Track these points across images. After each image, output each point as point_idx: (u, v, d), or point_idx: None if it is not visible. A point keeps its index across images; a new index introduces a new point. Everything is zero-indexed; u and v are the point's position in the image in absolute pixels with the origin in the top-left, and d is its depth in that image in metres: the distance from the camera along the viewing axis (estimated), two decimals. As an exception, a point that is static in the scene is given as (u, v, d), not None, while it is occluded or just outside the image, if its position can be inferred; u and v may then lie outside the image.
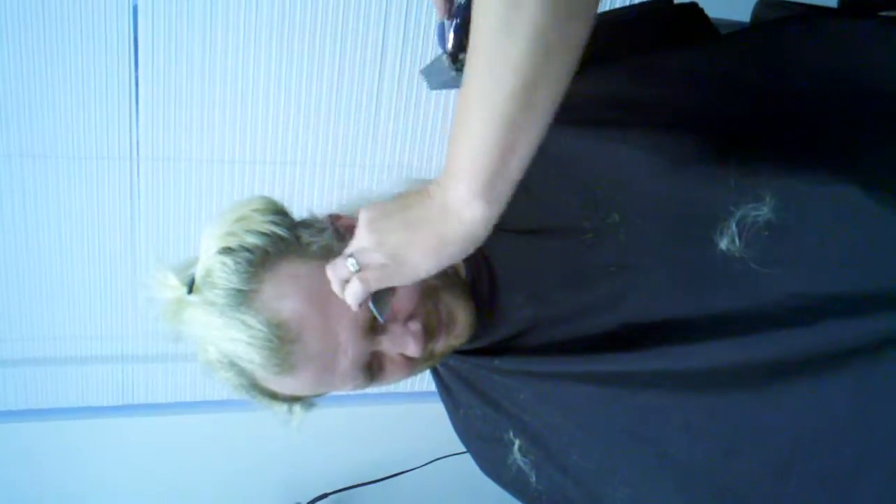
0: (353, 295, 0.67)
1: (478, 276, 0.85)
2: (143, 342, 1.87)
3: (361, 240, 0.66)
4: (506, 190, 0.59)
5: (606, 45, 0.91)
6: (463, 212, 0.60)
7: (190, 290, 0.77)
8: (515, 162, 0.57)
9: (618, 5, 0.99)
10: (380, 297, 0.70)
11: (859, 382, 0.62)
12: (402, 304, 0.78)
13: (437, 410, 0.98)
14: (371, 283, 0.66)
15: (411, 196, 0.65)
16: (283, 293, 0.74)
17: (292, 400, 0.82)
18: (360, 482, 2.10)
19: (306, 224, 0.81)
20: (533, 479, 0.86)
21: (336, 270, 0.68)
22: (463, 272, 0.85)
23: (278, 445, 2.04)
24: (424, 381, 1.97)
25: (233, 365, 0.76)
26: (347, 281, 0.68)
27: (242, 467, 2.08)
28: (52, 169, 1.62)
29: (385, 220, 0.65)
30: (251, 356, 0.73)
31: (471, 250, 0.64)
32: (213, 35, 1.58)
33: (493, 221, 0.62)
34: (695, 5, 0.97)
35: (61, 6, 1.49)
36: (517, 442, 0.86)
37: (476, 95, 0.54)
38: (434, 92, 1.74)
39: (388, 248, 0.65)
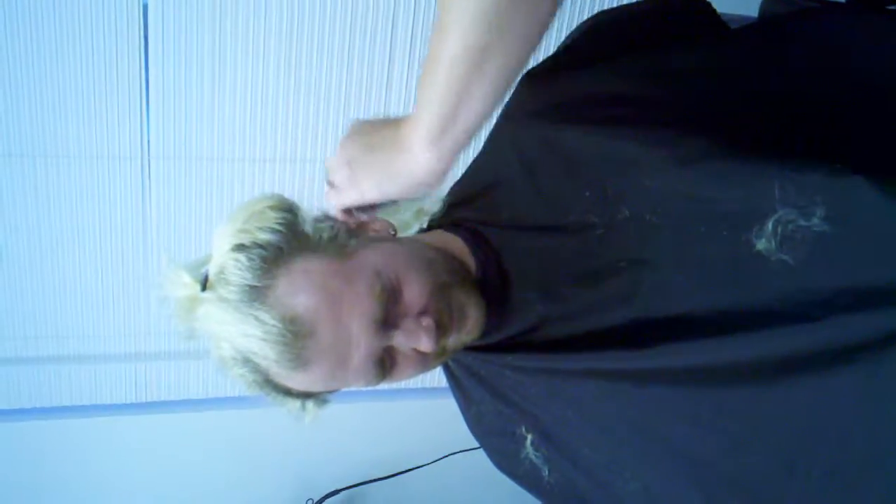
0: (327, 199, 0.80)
1: (489, 273, 0.85)
2: (156, 340, 1.88)
3: (338, 151, 0.78)
4: (452, 146, 0.66)
5: (616, 42, 0.91)
6: (412, 150, 0.67)
7: (203, 288, 0.78)
8: (464, 118, 0.64)
9: (624, 2, 0.99)
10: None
11: (866, 377, 0.62)
12: (413, 299, 0.78)
13: (448, 406, 0.99)
14: (331, 195, 0.79)
15: (389, 124, 0.73)
16: (297, 289, 0.74)
17: (305, 396, 0.83)
18: (371, 478, 2.11)
19: (318, 220, 0.82)
20: (545, 473, 0.87)
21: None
22: (474, 268, 0.86)
23: (290, 442, 2.05)
24: (435, 377, 1.97)
25: (247, 361, 0.77)
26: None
27: (255, 464, 2.09)
28: (64, 168, 1.63)
29: (356, 137, 0.77)
30: (265, 352, 0.74)
31: (411, 192, 0.72)
32: (223, 33, 1.59)
33: (437, 173, 0.69)
34: (703, 1, 0.97)
35: (71, 6, 1.50)
36: (529, 437, 0.87)
37: (438, 53, 0.61)
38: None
39: (350, 164, 0.76)
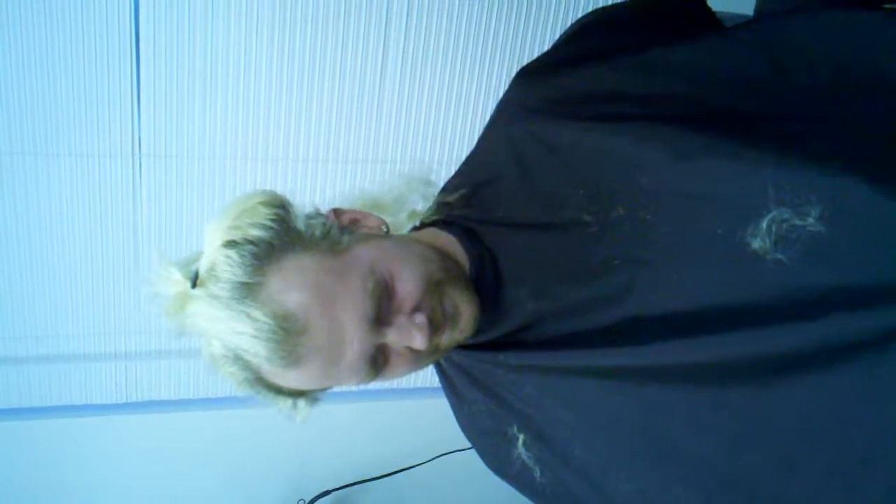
0: None
1: (482, 271, 0.85)
2: (147, 339, 1.87)
3: None
4: None
5: (611, 40, 0.91)
6: None
7: (194, 285, 0.77)
8: None
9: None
10: None
11: (866, 376, 0.62)
12: (406, 295, 0.77)
13: (441, 406, 0.98)
14: None
15: None
16: (289, 286, 0.74)
17: (297, 394, 0.82)
18: (363, 479, 2.10)
19: (311, 217, 0.81)
20: (537, 473, 0.86)
21: None
22: (467, 266, 0.85)
23: (281, 442, 2.04)
24: (428, 376, 1.97)
25: (238, 359, 0.76)
26: None
27: (245, 464, 2.08)
28: (55, 166, 1.62)
29: None
30: (256, 349, 0.73)
31: None
32: (215, 30, 1.58)
33: None
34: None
35: (62, 3, 1.48)
36: (521, 436, 0.86)
37: None
38: (435, 86, 1.74)
39: None
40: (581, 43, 0.95)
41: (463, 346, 0.86)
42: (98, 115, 1.60)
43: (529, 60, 0.95)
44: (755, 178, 0.67)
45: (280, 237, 0.76)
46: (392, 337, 0.77)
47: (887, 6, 0.89)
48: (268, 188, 0.82)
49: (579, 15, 1.00)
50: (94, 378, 1.89)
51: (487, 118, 0.95)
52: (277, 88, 1.67)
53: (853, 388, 0.63)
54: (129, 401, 1.93)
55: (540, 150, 0.84)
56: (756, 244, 0.67)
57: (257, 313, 0.72)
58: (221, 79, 1.63)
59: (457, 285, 0.81)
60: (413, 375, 0.83)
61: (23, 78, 1.52)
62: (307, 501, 2.08)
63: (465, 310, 0.81)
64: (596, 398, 0.78)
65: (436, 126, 1.78)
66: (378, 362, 0.78)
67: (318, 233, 0.79)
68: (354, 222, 0.85)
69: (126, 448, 1.97)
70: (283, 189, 0.83)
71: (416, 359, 0.81)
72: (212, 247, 0.77)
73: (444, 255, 0.84)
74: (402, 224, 0.97)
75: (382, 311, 0.76)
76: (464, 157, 0.97)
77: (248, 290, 0.73)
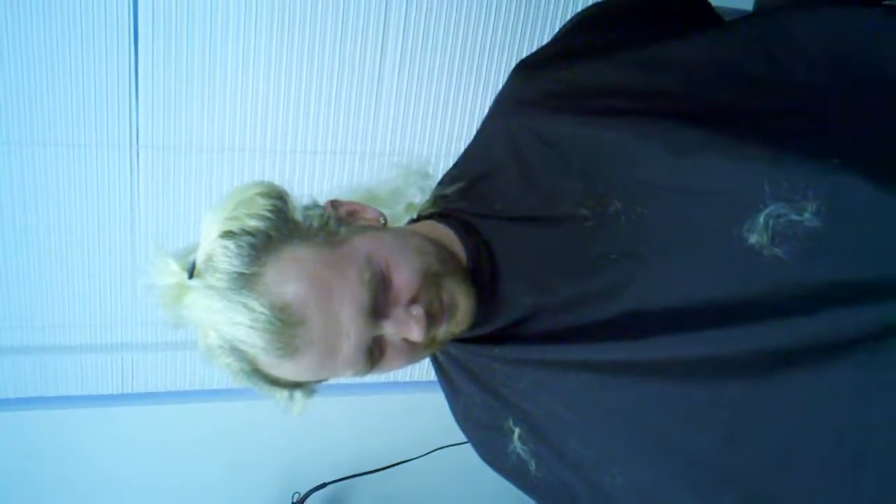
0: None
1: (479, 264, 0.85)
2: (143, 331, 1.87)
3: None
4: None
5: (610, 34, 0.91)
6: None
7: (191, 276, 0.77)
8: None
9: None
10: None
11: (861, 371, 0.62)
12: (403, 287, 0.77)
13: (437, 400, 0.98)
14: None
15: None
16: (287, 277, 0.73)
17: (293, 386, 0.82)
18: (359, 472, 2.10)
19: (308, 209, 0.81)
20: (532, 467, 0.86)
21: None
22: (464, 259, 0.85)
23: (277, 435, 2.04)
24: (424, 370, 1.98)
25: (234, 350, 0.76)
26: None
27: (241, 457, 2.08)
28: (52, 157, 1.62)
29: None
30: (253, 340, 0.73)
31: None
32: (214, 22, 1.58)
33: None
34: None
35: (60, -7, 1.48)
36: (517, 430, 0.86)
37: None
38: (434, 80, 1.74)
39: None
40: (580, 37, 0.95)
41: (459, 340, 0.86)
42: (96, 106, 1.59)
43: (528, 53, 0.95)
44: (752, 174, 0.67)
45: (278, 228, 0.76)
46: (389, 329, 0.77)
47: (886, 2, 0.89)
48: (265, 179, 0.82)
49: (579, 8, 1.00)
50: (90, 369, 1.89)
51: (486, 111, 0.95)
52: (276, 80, 1.66)
53: (849, 383, 0.63)
54: (124, 392, 1.93)
55: (537, 144, 0.84)
56: (753, 239, 0.67)
57: (254, 304, 0.72)
58: (220, 70, 1.62)
59: (454, 278, 0.81)
60: (409, 369, 0.82)
61: (20, 67, 1.52)
62: (302, 494, 2.08)
63: (462, 302, 0.80)
64: (592, 392, 0.78)
65: (434, 118, 1.78)
66: (374, 354, 0.78)
67: (315, 224, 0.78)
68: (352, 214, 0.85)
69: (121, 439, 1.97)
70: (280, 180, 0.83)
71: (413, 351, 0.81)
72: (209, 238, 0.76)
73: (441, 248, 0.83)
74: (399, 216, 0.97)
75: (379, 303, 0.76)
76: (462, 150, 0.97)
77: (245, 281, 0.73)
